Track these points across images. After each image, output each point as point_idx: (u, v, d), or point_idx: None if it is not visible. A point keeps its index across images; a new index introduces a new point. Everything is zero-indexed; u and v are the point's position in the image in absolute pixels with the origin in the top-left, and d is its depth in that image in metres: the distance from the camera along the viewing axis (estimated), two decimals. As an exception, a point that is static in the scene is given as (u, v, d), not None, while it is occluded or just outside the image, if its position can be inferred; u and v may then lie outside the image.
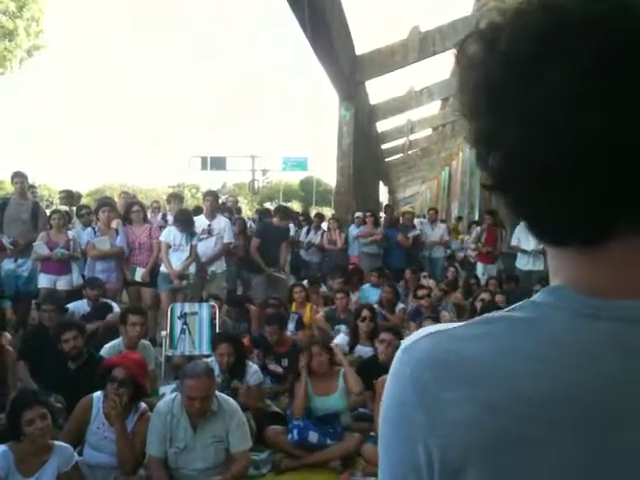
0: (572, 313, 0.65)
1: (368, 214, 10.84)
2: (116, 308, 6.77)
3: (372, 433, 4.81)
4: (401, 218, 12.15)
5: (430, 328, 0.72)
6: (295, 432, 4.72)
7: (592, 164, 0.61)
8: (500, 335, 0.66)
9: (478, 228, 10.44)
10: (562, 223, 0.66)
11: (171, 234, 7.42)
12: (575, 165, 0.61)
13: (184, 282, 7.35)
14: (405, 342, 0.72)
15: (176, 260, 7.36)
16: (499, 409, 0.63)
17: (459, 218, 24.06)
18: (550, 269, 0.73)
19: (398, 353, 0.72)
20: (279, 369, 5.96)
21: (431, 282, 9.36)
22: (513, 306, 0.69)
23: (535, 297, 0.69)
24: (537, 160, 0.63)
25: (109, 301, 6.89)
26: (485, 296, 6.99)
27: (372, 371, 5.29)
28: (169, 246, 7.38)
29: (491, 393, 0.64)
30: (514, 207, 0.69)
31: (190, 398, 3.83)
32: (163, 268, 7.43)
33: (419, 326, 6.17)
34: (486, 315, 0.69)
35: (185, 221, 7.41)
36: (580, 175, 0.61)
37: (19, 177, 7.75)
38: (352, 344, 6.36)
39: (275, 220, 8.73)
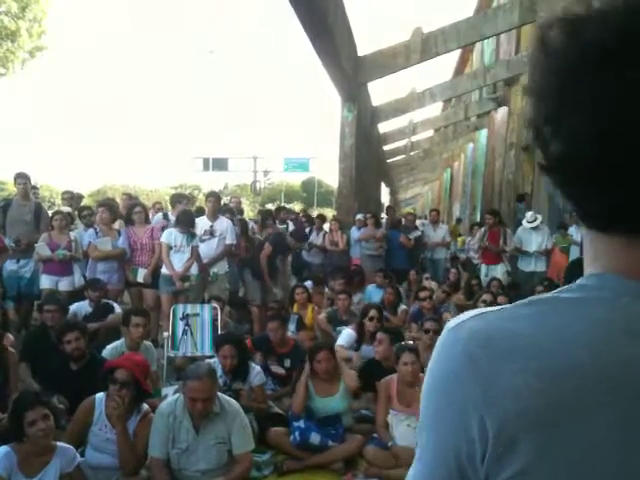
0: (616, 294, 0.70)
1: (369, 215, 10.84)
2: (117, 309, 6.78)
3: (374, 435, 4.82)
4: (403, 219, 12.16)
5: (477, 310, 0.76)
6: (297, 434, 4.72)
7: (635, 163, 0.65)
8: (549, 314, 0.71)
9: (482, 229, 10.44)
10: (606, 212, 0.71)
11: (172, 235, 7.40)
12: (623, 160, 0.66)
13: (186, 284, 7.35)
14: (450, 323, 0.77)
15: (177, 261, 7.35)
16: (552, 379, 0.68)
17: (459, 220, 24.07)
18: (589, 254, 0.77)
19: (444, 334, 0.76)
20: (281, 370, 5.96)
21: (433, 284, 9.36)
22: (559, 289, 0.75)
23: (580, 280, 0.74)
24: (591, 150, 0.68)
25: (111, 302, 6.89)
26: (487, 297, 6.97)
27: (374, 372, 5.30)
28: (170, 247, 7.38)
29: (544, 365, 0.68)
30: (565, 189, 0.74)
31: (192, 400, 3.83)
32: (164, 270, 7.43)
33: (421, 327, 6.18)
34: (533, 297, 0.74)
35: (187, 222, 7.41)
36: (625, 170, 0.66)
37: (22, 178, 7.76)
38: (359, 342, 6.34)
39: (290, 240, 8.73)
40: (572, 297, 0.72)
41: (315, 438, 4.69)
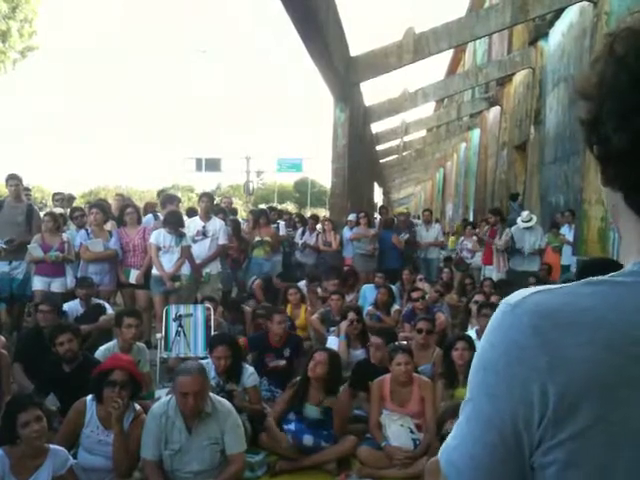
0: None
1: (361, 215, 10.84)
2: (109, 310, 6.75)
3: (367, 435, 4.81)
4: (395, 219, 12.17)
5: (536, 288, 0.83)
6: (289, 436, 4.70)
7: None
8: (607, 294, 0.79)
9: (486, 227, 10.46)
10: None
11: (160, 236, 7.40)
12: None
13: (177, 284, 7.34)
14: (510, 299, 0.83)
15: (167, 262, 7.35)
16: (616, 350, 0.75)
17: (465, 221, 23.91)
18: (635, 245, 0.84)
19: (504, 308, 0.83)
20: (282, 362, 5.98)
21: (426, 286, 9.35)
22: (611, 274, 0.82)
23: (629, 267, 0.82)
24: None
25: (102, 302, 6.86)
26: (479, 298, 6.96)
27: (366, 373, 5.29)
28: (159, 248, 7.37)
29: (608, 337, 0.76)
30: (621, 177, 0.81)
31: (183, 394, 3.79)
32: (154, 271, 7.42)
33: (414, 328, 6.18)
34: (589, 278, 0.82)
35: (175, 223, 7.41)
36: None
37: (13, 180, 7.72)
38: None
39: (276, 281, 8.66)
40: (627, 280, 0.80)
41: (308, 440, 4.68)
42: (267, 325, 6.24)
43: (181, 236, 7.43)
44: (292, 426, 4.74)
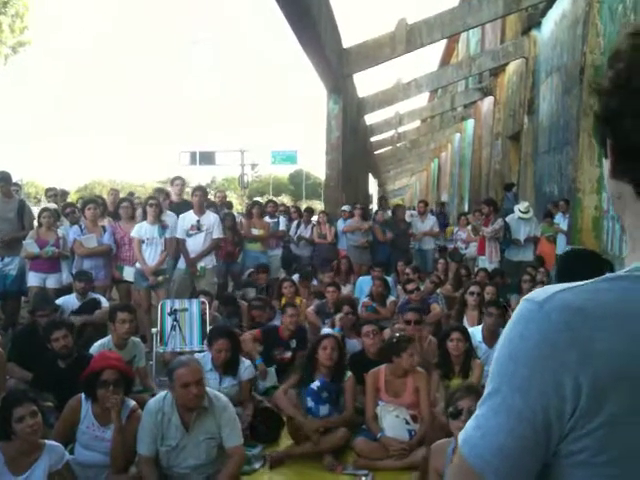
0: None
1: (357, 206, 10.83)
2: (105, 303, 6.74)
3: (363, 426, 4.82)
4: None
5: (560, 286, 0.85)
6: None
7: None
8: (628, 288, 0.83)
9: (482, 218, 10.46)
10: None
11: (142, 229, 7.36)
12: None
13: (160, 278, 7.32)
14: (535, 297, 0.86)
15: (149, 255, 7.32)
16: None
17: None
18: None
19: (528, 305, 0.86)
20: (288, 354, 6.10)
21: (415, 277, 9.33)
22: (628, 268, 0.86)
23: None
24: None
25: (98, 296, 6.84)
26: (475, 289, 6.92)
27: (361, 365, 5.29)
28: (142, 241, 7.33)
29: (633, 330, 0.79)
30: (633, 171, 0.85)
31: (186, 385, 3.73)
32: (138, 265, 7.39)
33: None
34: (606, 275, 0.86)
35: (154, 209, 7.38)
36: None
37: (1, 180, 7.66)
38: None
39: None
40: None
41: (324, 409, 4.71)
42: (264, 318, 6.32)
43: (164, 227, 7.40)
44: (312, 404, 4.75)
